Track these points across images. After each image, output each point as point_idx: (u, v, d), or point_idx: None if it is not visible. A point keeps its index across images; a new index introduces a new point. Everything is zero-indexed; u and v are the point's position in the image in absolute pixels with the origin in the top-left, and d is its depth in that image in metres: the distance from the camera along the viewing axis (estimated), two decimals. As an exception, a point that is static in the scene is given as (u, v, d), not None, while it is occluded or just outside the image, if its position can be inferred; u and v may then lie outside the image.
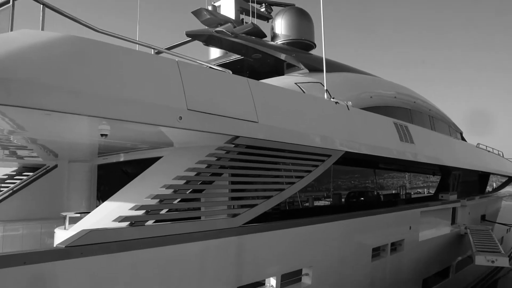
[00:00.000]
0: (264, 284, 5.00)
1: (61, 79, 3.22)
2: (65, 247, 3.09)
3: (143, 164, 5.03)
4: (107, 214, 3.84)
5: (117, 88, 3.57)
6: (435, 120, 12.67)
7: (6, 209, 6.38)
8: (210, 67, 5.01)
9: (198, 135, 4.38)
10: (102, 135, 4.23)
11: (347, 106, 6.68)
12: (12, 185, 6.78)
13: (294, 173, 5.33)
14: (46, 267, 2.98)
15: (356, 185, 7.85)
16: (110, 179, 6.87)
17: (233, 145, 4.56)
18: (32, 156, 6.56)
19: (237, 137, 4.59)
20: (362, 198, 7.88)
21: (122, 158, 6.32)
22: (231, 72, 4.99)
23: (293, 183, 5.22)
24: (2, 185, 7.00)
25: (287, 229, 5.08)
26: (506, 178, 17.06)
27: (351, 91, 8.23)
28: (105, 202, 4.32)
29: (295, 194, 5.60)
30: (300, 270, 5.47)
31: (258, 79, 5.35)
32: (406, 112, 10.50)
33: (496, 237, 10.02)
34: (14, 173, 7.14)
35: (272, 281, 4.93)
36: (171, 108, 3.95)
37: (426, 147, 9.12)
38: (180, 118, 3.99)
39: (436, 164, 9.63)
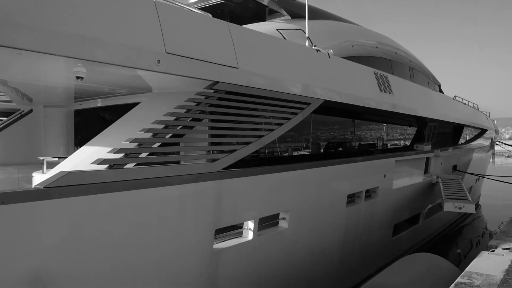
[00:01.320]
0: (242, 227, 5.17)
1: (34, 17, 3.08)
2: (44, 187, 3.10)
3: (121, 110, 4.97)
4: (86, 157, 3.83)
5: (93, 28, 3.45)
6: (415, 72, 12.76)
7: None
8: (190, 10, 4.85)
9: (177, 80, 4.32)
10: (77, 77, 4.12)
11: (328, 54, 6.64)
12: (-14, 130, 6.63)
13: (273, 120, 5.37)
14: (25, 207, 3.00)
15: (334, 134, 7.98)
16: (87, 125, 6.78)
17: (213, 91, 4.53)
18: (5, 101, 6.38)
19: (216, 82, 4.55)
20: (340, 148, 8.05)
21: (99, 103, 6.21)
22: (211, 16, 4.85)
23: (272, 130, 5.27)
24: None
25: (265, 174, 5.18)
26: (479, 131, 17.58)
27: (333, 40, 8.14)
28: (84, 146, 4.29)
29: (274, 142, 5.67)
30: (278, 215, 5.66)
31: (239, 25, 5.22)
32: (387, 62, 10.51)
33: (465, 186, 10.49)
34: (-13, 117, 6.96)
35: (250, 225, 5.10)
36: (149, 50, 3.85)
37: (405, 98, 9.24)
38: (159, 61, 3.91)
39: (413, 115, 9.81)
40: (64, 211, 3.25)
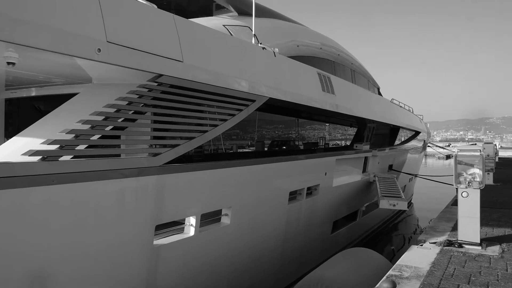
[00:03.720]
0: (183, 223, 5.12)
1: None
2: None
3: (57, 100, 4.72)
4: (17, 149, 3.61)
5: (27, 10, 3.24)
6: (356, 74, 13.28)
7: None
8: None
9: (119, 70, 4.18)
10: (8, 63, 3.85)
11: (274, 53, 6.73)
12: None
13: (217, 115, 5.36)
14: None
15: (278, 132, 8.11)
16: (20, 115, 6.36)
17: (156, 84, 4.44)
18: None
19: (160, 75, 4.46)
20: (284, 146, 8.20)
21: (33, 92, 5.84)
22: (156, 7, 4.74)
23: (216, 125, 5.26)
24: None
25: (207, 170, 5.16)
26: (413, 133, 18.68)
27: (279, 38, 8.27)
28: (14, 137, 4.03)
29: (218, 138, 5.67)
30: (220, 211, 5.66)
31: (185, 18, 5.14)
32: (330, 63, 10.86)
33: (399, 185, 11.10)
34: None
35: (192, 220, 5.06)
36: (89, 38, 3.69)
37: (346, 99, 9.59)
38: (99, 50, 3.76)
39: (354, 115, 10.22)
40: None
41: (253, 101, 5.94)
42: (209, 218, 5.49)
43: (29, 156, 3.31)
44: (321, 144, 9.66)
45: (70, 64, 4.09)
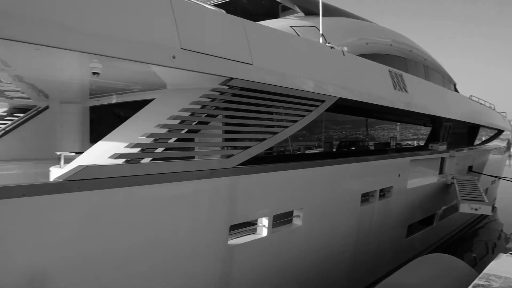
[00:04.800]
0: (256, 224, 5.16)
1: (52, 12, 3.11)
2: (63, 181, 3.12)
3: (135, 106, 4.99)
4: (103, 152, 3.85)
5: (109, 24, 3.46)
6: (430, 70, 12.61)
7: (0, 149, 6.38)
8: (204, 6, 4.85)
9: (192, 76, 4.32)
10: (93, 73, 4.15)
11: (343, 51, 6.59)
12: (3, 126, 6.73)
13: (287, 117, 5.35)
14: (44, 199, 3.03)
15: (348, 132, 7.92)
16: (102, 121, 6.84)
17: (228, 87, 4.53)
18: (22, 97, 6.46)
19: (231, 78, 4.54)
20: (354, 146, 7.99)
21: (114, 100, 6.26)
22: (224, 12, 4.85)
23: (286, 126, 5.25)
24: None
25: (279, 171, 5.17)
26: (496, 132, 17.31)
27: (347, 37, 8.09)
28: (100, 141, 4.32)
29: (287, 139, 5.65)
30: (291, 212, 5.63)
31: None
32: (401, 60, 10.41)
33: (481, 188, 10.32)
34: (5, 114, 7.06)
35: (264, 221, 5.08)
36: (164, 46, 3.86)
37: (420, 96, 9.13)
38: (174, 57, 3.92)
39: (428, 114, 9.70)
40: (82, 204, 3.27)
41: (323, 101, 5.85)
42: (280, 220, 5.48)
43: (114, 159, 3.52)
44: (392, 144, 9.27)
45: (146, 72, 4.31)
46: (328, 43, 6.53)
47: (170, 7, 3.98)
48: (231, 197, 4.52)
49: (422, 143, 10.77)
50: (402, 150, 9.53)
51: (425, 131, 11.02)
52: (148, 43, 3.73)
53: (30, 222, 3.02)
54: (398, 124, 9.66)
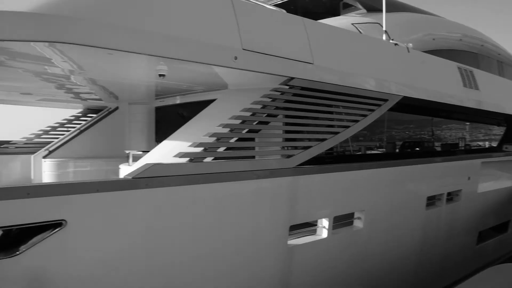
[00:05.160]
0: (316, 225, 5.11)
1: (123, 18, 3.29)
2: (132, 178, 3.30)
3: (197, 107, 5.14)
4: (168, 151, 4.02)
5: (174, 27, 3.60)
6: (504, 66, 11.73)
7: (75, 148, 6.87)
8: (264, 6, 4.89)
9: (253, 76, 4.37)
10: (160, 75, 4.33)
11: (407, 48, 6.33)
12: (78, 126, 7.25)
13: (349, 116, 5.24)
14: (116, 195, 3.21)
15: (412, 132, 7.59)
16: (167, 121, 7.12)
17: (288, 87, 4.52)
18: (95, 99, 6.90)
19: (292, 78, 4.53)
20: (419, 147, 7.64)
21: (178, 100, 6.49)
22: (285, 11, 4.85)
23: (347, 126, 5.14)
24: (70, 125, 7.51)
25: (340, 172, 5.07)
26: None
27: (412, 33, 7.75)
28: (165, 141, 4.50)
29: (348, 139, 5.54)
30: (352, 214, 5.51)
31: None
32: (472, 56, 9.79)
33: None
34: (80, 114, 7.60)
35: (325, 222, 5.02)
36: (227, 47, 3.94)
37: (493, 94, 8.54)
38: (236, 58, 3.98)
39: (503, 113, 9.04)
40: (149, 200, 3.43)
41: (386, 100, 5.66)
42: (341, 221, 5.39)
43: (179, 157, 3.65)
44: (461, 145, 8.74)
45: (209, 73, 4.43)
46: (392, 39, 6.31)
47: (232, 9, 4.06)
48: (292, 197, 4.51)
49: (494, 144, 10.04)
50: (472, 152, 8.95)
51: (499, 131, 10.27)
52: (211, 45, 3.83)
53: (102, 216, 3.22)
54: (468, 124, 9.09)
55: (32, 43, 3.17)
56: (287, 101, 4.53)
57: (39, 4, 3.01)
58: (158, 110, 7.25)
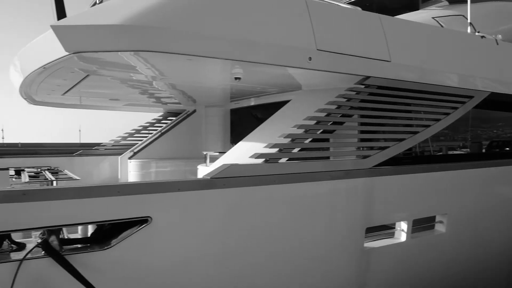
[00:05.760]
0: (393, 228, 4.93)
1: (202, 25, 3.44)
2: (211, 178, 3.44)
3: (271, 108, 5.21)
4: (244, 152, 4.12)
5: (250, 31, 3.68)
6: None
7: (156, 149, 7.33)
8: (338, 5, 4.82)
9: (327, 76, 4.33)
10: (235, 78, 4.46)
11: (496, 40, 5.86)
12: (160, 128, 7.72)
13: (429, 115, 4.98)
14: (195, 194, 3.37)
15: (501, 131, 7.00)
16: (241, 123, 7.31)
17: (364, 86, 4.42)
18: (174, 103, 7.29)
19: (368, 77, 4.42)
20: (509, 147, 7.03)
21: (252, 102, 6.63)
22: (360, 9, 4.74)
23: (428, 126, 4.89)
24: (152, 128, 8.02)
25: (420, 173, 4.84)
26: None
27: (502, 23, 7.16)
28: (241, 142, 4.62)
29: (428, 139, 5.26)
30: (434, 217, 5.23)
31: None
32: None
33: None
34: (161, 117, 8.09)
35: (403, 226, 4.82)
36: (301, 48, 3.94)
37: None
38: (310, 58, 3.97)
39: None
40: (226, 200, 3.54)
41: (471, 97, 5.29)
42: (421, 225, 5.14)
43: (255, 158, 3.73)
44: None
45: (283, 74, 4.47)
46: (478, 32, 5.87)
47: (306, 10, 4.05)
48: (368, 198, 4.39)
49: None
50: None
51: None
52: (286, 47, 3.86)
53: (183, 214, 3.39)
54: None
55: (119, 53, 3.45)
56: (362, 100, 4.42)
57: (125, 17, 3.25)
58: (233, 112, 7.46)
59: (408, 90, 4.74)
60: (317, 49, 4.02)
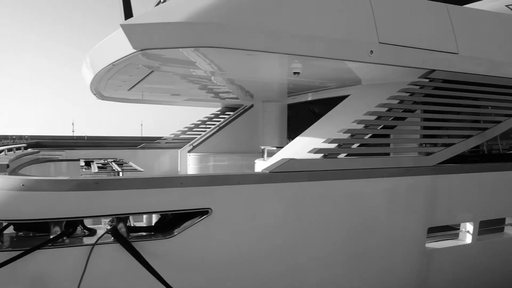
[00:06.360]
0: (459, 229, 4.70)
1: (261, 20, 3.47)
2: (270, 172, 3.47)
3: (329, 103, 5.14)
4: (303, 147, 4.11)
5: (310, 25, 3.66)
6: None
7: (214, 143, 7.51)
8: None
9: (389, 70, 4.20)
10: (294, 73, 4.45)
11: None
12: (218, 123, 7.90)
13: (500, 110, 4.67)
14: (254, 188, 3.42)
15: None
16: (298, 118, 7.29)
17: (428, 80, 4.24)
18: (232, 98, 7.41)
19: (432, 70, 4.23)
20: None
21: (309, 97, 6.58)
22: None
23: (498, 122, 4.60)
24: (210, 123, 8.23)
25: (489, 172, 4.56)
26: None
27: None
28: (299, 137, 4.61)
29: (497, 136, 4.94)
30: (503, 219, 4.92)
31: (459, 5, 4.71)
32: None
33: None
34: (219, 112, 8.27)
35: (469, 227, 4.58)
36: (362, 42, 3.86)
37: None
38: (371, 52, 3.88)
39: None
40: (285, 194, 3.56)
41: None
42: (488, 227, 4.85)
43: (313, 153, 3.71)
44: None
45: (342, 69, 4.39)
46: None
47: (368, 1, 3.95)
48: (431, 197, 4.22)
49: None
50: None
51: None
52: (346, 41, 3.79)
53: (242, 206, 3.46)
54: None
55: (181, 49, 3.57)
56: (427, 95, 4.24)
57: (188, 15, 3.36)
58: (290, 107, 7.46)
59: (476, 84, 4.48)
60: (379, 42, 3.91)
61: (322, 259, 3.85)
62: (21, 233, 3.24)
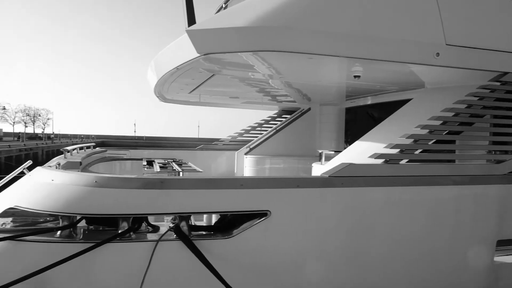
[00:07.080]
0: None
1: (323, 23, 3.46)
2: (329, 176, 3.44)
3: (389, 107, 4.99)
4: (362, 151, 4.03)
5: (373, 27, 3.59)
6: None
7: (271, 146, 7.56)
8: None
9: (456, 73, 4.02)
10: (355, 76, 4.38)
11: None
12: (274, 126, 7.95)
13: None
14: (313, 192, 3.41)
15: None
16: (356, 122, 7.15)
17: (500, 83, 4.00)
18: (289, 101, 7.43)
19: (505, 73, 3.99)
20: None
21: (369, 101, 6.44)
22: None
23: None
24: (267, 125, 8.30)
25: None
26: None
27: None
28: (358, 141, 4.53)
29: None
30: None
31: None
32: None
33: None
34: (276, 115, 8.32)
35: None
36: (428, 44, 3.72)
37: None
38: (437, 54, 3.73)
39: None
40: (343, 199, 3.51)
41: None
42: None
43: (374, 158, 3.63)
44: None
45: (405, 72, 4.25)
46: None
47: (435, 1, 3.81)
48: (501, 208, 3.97)
49: None
50: None
51: None
52: (411, 42, 3.68)
53: (300, 210, 3.45)
54: None
55: (240, 53, 3.64)
56: (497, 99, 4.01)
57: (250, 20, 3.42)
58: (348, 110, 7.34)
59: None
60: (446, 44, 3.76)
61: (381, 269, 3.75)
62: (91, 226, 3.46)
